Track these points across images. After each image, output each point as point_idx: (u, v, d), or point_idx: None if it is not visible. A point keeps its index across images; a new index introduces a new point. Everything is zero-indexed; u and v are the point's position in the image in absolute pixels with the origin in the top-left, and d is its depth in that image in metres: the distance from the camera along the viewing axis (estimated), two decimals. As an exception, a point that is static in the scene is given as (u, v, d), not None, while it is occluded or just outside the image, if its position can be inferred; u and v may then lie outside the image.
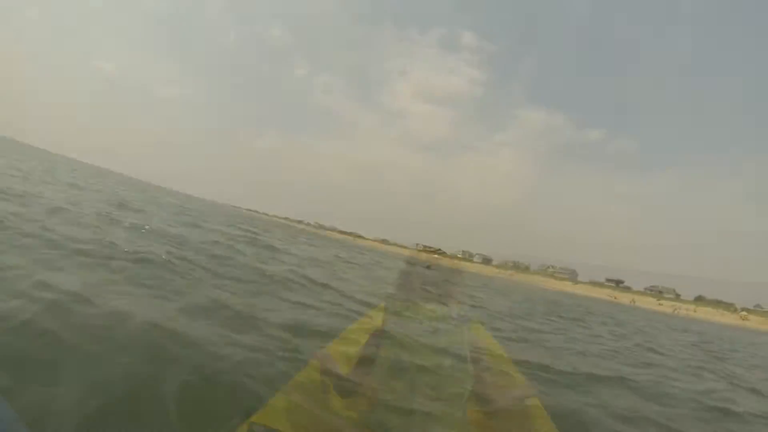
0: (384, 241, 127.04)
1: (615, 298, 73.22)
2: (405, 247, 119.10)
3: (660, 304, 74.75)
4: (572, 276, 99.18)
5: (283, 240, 17.66)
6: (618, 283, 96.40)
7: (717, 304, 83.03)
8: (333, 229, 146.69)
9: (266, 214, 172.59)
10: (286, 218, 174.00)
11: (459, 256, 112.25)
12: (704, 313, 70.33)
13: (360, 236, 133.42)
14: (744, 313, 74.01)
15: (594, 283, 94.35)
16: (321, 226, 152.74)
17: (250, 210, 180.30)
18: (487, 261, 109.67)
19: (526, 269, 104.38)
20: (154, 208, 16.21)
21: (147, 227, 7.55)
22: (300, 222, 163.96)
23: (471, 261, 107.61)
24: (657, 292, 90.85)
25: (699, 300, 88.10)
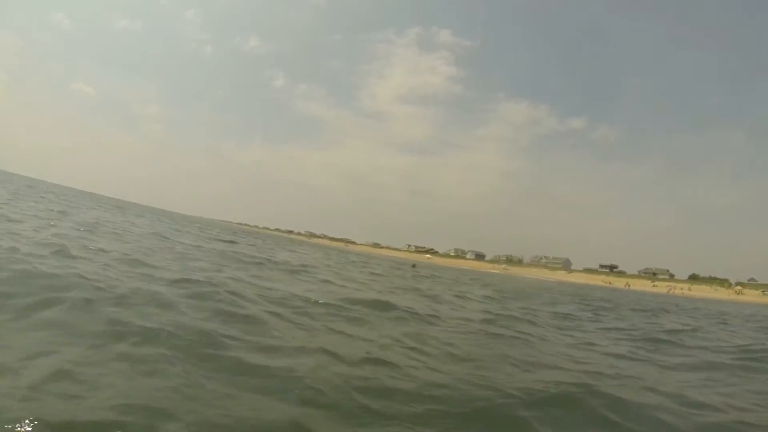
0: (376, 245, 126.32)
1: (610, 283, 73.06)
2: (397, 250, 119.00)
3: (654, 286, 74.80)
4: (566, 265, 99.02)
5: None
6: (612, 269, 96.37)
7: (711, 280, 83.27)
8: (323, 237, 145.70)
9: (257, 227, 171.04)
10: (276, 229, 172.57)
11: (451, 254, 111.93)
12: (699, 290, 70.45)
13: (351, 242, 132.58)
14: (738, 287, 74.30)
15: (588, 270, 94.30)
16: (312, 235, 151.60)
17: (241, 223, 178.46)
18: (480, 257, 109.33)
19: (519, 262, 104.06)
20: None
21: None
22: (290, 232, 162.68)
23: (464, 258, 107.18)
24: (651, 274, 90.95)
25: (693, 278, 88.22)
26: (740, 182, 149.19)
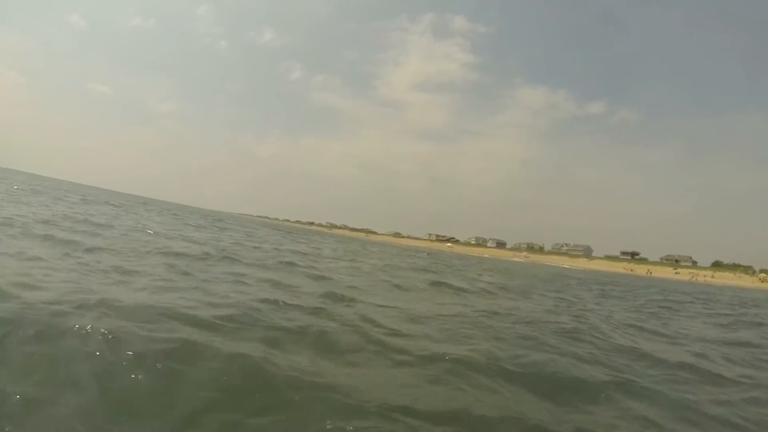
0: (397, 235, 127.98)
1: (631, 270, 73.36)
2: (418, 239, 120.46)
3: (677, 273, 74.63)
4: (587, 252, 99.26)
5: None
6: (633, 255, 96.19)
7: (735, 267, 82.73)
8: (344, 227, 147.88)
9: (277, 219, 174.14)
10: (297, 221, 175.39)
11: (472, 242, 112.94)
12: (722, 278, 70.26)
13: (372, 232, 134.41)
14: (763, 275, 73.85)
15: (609, 258, 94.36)
16: (333, 226, 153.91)
17: (261, 216, 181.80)
18: (501, 245, 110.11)
19: (540, 250, 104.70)
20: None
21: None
22: (311, 223, 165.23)
23: (485, 246, 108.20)
24: (673, 261, 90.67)
25: (716, 265, 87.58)
26: (762, 165, 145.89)
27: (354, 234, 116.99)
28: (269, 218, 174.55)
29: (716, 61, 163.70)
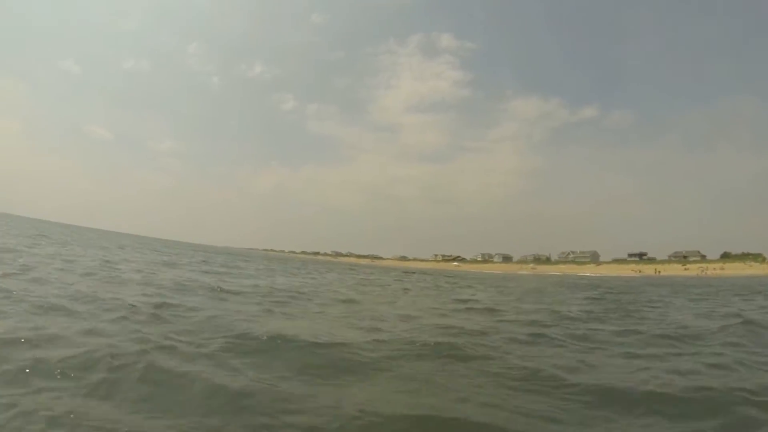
0: (403, 258, 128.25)
1: (640, 271, 73.09)
2: (425, 261, 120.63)
3: (686, 269, 74.32)
4: (594, 257, 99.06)
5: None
6: (641, 256, 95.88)
7: (744, 257, 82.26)
8: (350, 255, 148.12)
9: (283, 251, 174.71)
10: (302, 252, 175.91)
11: (479, 259, 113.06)
12: (732, 268, 69.83)
13: (378, 257, 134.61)
14: (773, 261, 73.46)
15: (617, 261, 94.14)
16: (338, 254, 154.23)
17: (267, 249, 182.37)
18: (507, 259, 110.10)
19: (547, 260, 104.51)
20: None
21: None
22: (317, 253, 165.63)
23: (491, 262, 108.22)
24: (681, 257, 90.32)
25: (725, 257, 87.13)
26: (761, 149, 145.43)
27: (361, 261, 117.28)
28: (275, 251, 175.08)
29: (701, 51, 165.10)
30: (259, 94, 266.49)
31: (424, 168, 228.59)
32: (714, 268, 70.86)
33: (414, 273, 43.33)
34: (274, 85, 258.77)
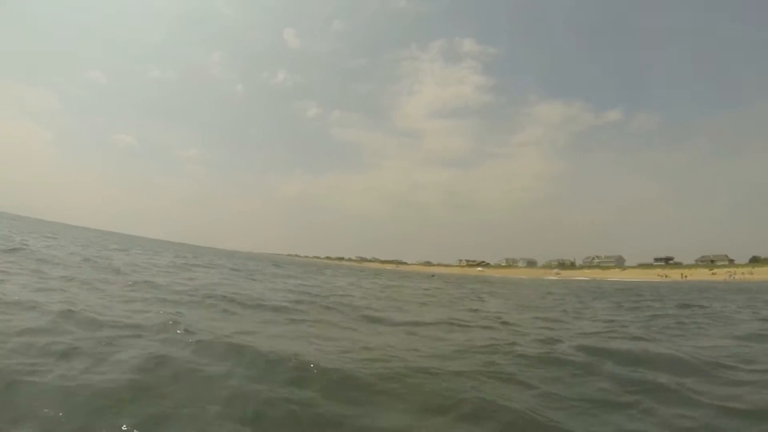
0: (427, 263, 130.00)
1: (666, 276, 73.21)
2: (449, 266, 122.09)
3: (713, 273, 73.90)
4: (619, 262, 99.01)
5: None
6: (667, 261, 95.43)
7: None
8: (374, 260, 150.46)
9: (307, 257, 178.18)
10: (327, 257, 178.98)
11: (503, 264, 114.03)
12: (762, 273, 69.24)
13: (403, 263, 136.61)
14: (804, 264, 72.45)
15: (643, 266, 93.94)
16: (363, 259, 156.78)
17: (291, 255, 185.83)
18: (531, 264, 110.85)
19: (571, 265, 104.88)
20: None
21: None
22: (341, 258, 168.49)
23: (516, 267, 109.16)
24: (709, 261, 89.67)
25: (754, 261, 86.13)
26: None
27: (385, 266, 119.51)
28: (299, 256, 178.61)
29: (731, 52, 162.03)
30: (283, 102, 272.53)
31: (447, 173, 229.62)
32: (742, 273, 70.39)
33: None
34: (297, 93, 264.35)
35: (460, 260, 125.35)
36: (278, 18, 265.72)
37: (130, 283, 10.48)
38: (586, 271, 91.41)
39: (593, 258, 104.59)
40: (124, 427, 2.94)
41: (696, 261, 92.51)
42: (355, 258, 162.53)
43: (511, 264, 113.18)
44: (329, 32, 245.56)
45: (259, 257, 78.16)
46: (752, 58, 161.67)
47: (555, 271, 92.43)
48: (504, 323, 9.22)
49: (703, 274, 73.78)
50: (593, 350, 5.92)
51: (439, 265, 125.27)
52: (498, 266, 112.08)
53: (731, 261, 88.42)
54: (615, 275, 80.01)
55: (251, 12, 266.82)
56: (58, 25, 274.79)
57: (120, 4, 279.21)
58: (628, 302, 17.06)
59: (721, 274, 71.46)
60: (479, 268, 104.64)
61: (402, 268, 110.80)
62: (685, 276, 70.98)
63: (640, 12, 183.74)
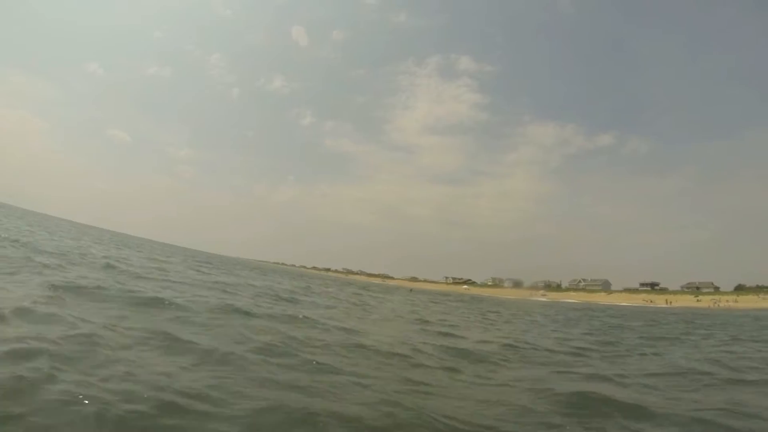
0: (413, 279, 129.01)
1: (651, 301, 73.02)
2: (435, 282, 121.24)
3: (698, 300, 73.98)
4: (605, 286, 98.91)
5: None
6: (653, 286, 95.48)
7: (759, 289, 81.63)
8: (360, 273, 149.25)
9: (294, 266, 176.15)
10: (313, 267, 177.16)
11: (489, 283, 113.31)
12: (746, 301, 69.39)
13: (389, 277, 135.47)
14: (788, 294, 72.79)
15: (629, 290, 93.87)
16: (349, 272, 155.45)
17: (277, 263, 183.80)
18: (518, 284, 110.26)
19: (557, 287, 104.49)
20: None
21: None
22: (327, 269, 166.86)
23: (501, 287, 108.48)
24: (694, 288, 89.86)
25: (739, 289, 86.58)
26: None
27: (371, 279, 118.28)
28: (286, 264, 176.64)
29: (724, 82, 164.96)
30: (278, 108, 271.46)
31: (439, 190, 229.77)
32: (727, 300, 70.50)
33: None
34: (292, 100, 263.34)
35: (447, 278, 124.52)
36: (279, 24, 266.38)
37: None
38: (573, 293, 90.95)
39: (579, 281, 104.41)
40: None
41: (682, 287, 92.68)
42: (341, 269, 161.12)
43: (497, 284, 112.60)
44: (329, 41, 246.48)
45: (251, 264, 76.32)
46: (743, 87, 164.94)
47: (541, 292, 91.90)
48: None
49: (688, 301, 73.82)
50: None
51: (425, 281, 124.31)
52: (484, 285, 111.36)
53: (716, 288, 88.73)
54: (601, 299, 79.66)
55: (251, 16, 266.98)
56: (58, 15, 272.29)
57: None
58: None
59: (705, 301, 71.58)
60: (465, 287, 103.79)
61: (387, 282, 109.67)
62: (670, 302, 70.79)
63: (635, 38, 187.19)
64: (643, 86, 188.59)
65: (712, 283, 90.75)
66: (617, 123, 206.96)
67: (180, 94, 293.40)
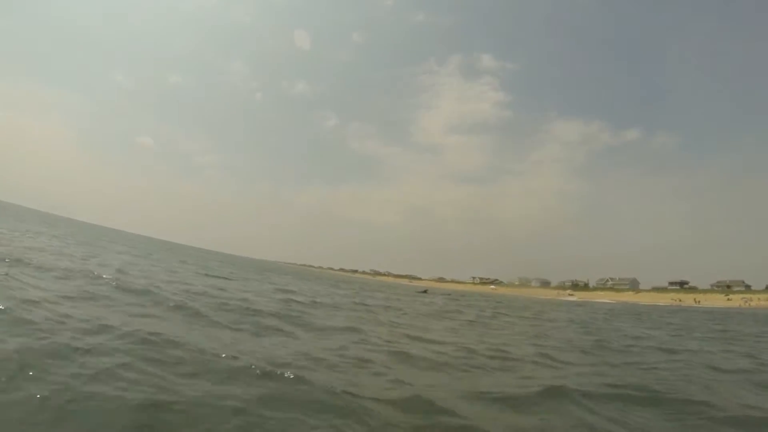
0: (440, 279, 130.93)
1: (679, 301, 73.11)
2: (462, 282, 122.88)
3: (729, 299, 73.43)
4: (633, 285, 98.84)
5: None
6: (682, 285, 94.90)
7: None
8: (388, 274, 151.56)
9: (321, 268, 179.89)
10: (341, 269, 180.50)
11: (516, 283, 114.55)
12: (778, 300, 68.61)
13: (416, 278, 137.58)
14: (823, 293, 71.72)
15: (657, 289, 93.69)
16: (376, 273, 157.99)
17: (305, 265, 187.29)
18: (545, 284, 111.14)
19: (585, 286, 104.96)
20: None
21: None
22: (355, 271, 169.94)
23: (529, 286, 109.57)
24: (725, 287, 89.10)
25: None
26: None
27: (398, 280, 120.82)
28: (313, 267, 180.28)
29: (755, 72, 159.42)
30: (301, 112, 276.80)
31: (465, 189, 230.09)
32: (758, 299, 69.88)
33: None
34: (315, 104, 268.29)
35: (474, 278, 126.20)
36: (298, 29, 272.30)
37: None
38: (600, 292, 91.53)
39: (607, 280, 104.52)
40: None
41: (711, 286, 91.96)
42: (369, 271, 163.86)
43: (524, 283, 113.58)
44: (349, 44, 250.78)
45: (282, 269, 79.61)
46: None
47: (568, 292, 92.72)
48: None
49: (718, 300, 73.39)
50: None
51: (452, 281, 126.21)
52: (511, 285, 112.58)
53: (748, 287, 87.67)
54: (629, 298, 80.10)
55: (271, 22, 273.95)
56: (84, 27, 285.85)
57: (145, 11, 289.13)
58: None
59: (736, 300, 71.07)
60: (492, 287, 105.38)
61: (414, 283, 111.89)
62: (698, 301, 70.89)
63: (659, 30, 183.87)
64: (670, 78, 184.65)
65: (743, 281, 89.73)
66: (643, 117, 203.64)
67: (203, 100, 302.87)
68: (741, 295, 76.91)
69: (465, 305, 25.58)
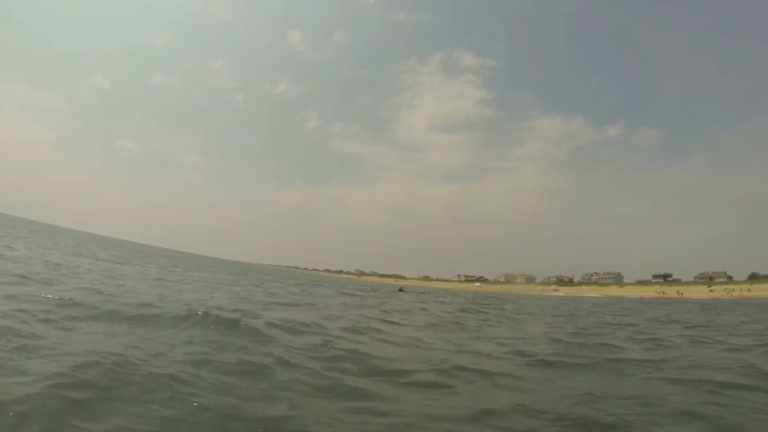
0: (426, 278, 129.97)
1: (663, 293, 73.31)
2: (447, 281, 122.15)
3: (711, 290, 74.00)
4: (617, 279, 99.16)
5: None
6: (665, 277, 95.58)
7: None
8: (373, 274, 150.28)
9: (306, 269, 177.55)
10: (326, 270, 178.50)
11: (501, 280, 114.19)
12: (760, 290, 69.28)
13: (401, 277, 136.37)
14: (802, 281, 72.56)
15: (641, 282, 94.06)
16: (361, 273, 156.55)
17: (290, 267, 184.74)
18: (530, 280, 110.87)
19: (570, 282, 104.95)
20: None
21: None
22: (340, 272, 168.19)
23: (514, 283, 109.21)
24: (707, 279, 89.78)
25: (753, 278, 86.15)
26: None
27: (384, 280, 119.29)
28: (299, 268, 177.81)
29: (734, 68, 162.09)
30: (283, 112, 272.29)
31: (449, 188, 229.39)
32: (740, 290, 70.54)
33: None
34: (297, 104, 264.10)
35: (459, 275, 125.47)
36: (280, 28, 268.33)
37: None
38: (585, 287, 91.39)
39: (592, 274, 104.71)
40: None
41: (694, 278, 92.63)
42: (354, 271, 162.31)
43: (509, 280, 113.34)
44: (330, 43, 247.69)
45: (271, 271, 77.32)
46: (753, 72, 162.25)
47: (553, 287, 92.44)
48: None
49: (701, 292, 73.78)
50: None
51: (437, 279, 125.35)
52: (496, 282, 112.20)
53: (730, 278, 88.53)
54: (614, 292, 79.96)
55: (253, 21, 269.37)
56: (61, 27, 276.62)
57: (123, 9, 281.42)
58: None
59: (719, 291, 71.62)
60: (476, 284, 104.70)
61: (401, 282, 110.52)
62: (681, 293, 71.00)
63: (639, 27, 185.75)
64: (651, 75, 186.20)
65: (725, 273, 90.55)
66: (625, 112, 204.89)
67: (186, 101, 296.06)
68: (723, 286, 77.55)
69: (433, 301, 25.58)
